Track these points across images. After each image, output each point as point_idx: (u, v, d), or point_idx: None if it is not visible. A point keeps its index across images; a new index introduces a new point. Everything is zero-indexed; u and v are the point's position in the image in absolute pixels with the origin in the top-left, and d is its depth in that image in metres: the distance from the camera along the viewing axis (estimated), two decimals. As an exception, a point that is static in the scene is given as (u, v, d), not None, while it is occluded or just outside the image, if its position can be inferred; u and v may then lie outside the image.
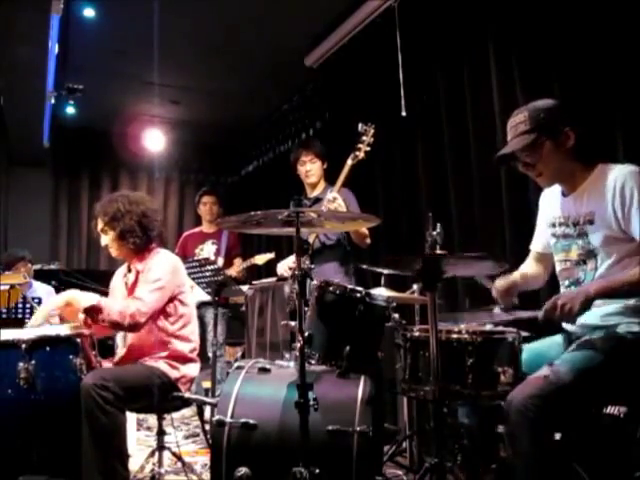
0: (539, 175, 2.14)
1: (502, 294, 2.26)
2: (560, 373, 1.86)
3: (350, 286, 2.41)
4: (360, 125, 3.34)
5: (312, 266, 2.56)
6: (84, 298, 2.47)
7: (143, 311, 2.51)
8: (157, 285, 2.59)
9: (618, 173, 1.99)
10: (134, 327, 2.52)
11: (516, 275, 2.33)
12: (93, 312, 2.44)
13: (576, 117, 2.20)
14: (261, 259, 4.77)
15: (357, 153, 3.31)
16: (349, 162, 3.31)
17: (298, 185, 3.74)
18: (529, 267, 2.39)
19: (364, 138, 3.32)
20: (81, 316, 2.52)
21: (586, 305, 1.86)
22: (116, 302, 2.61)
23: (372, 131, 3.33)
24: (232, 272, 4.67)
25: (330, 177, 3.60)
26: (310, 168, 3.58)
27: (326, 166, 3.62)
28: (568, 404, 1.85)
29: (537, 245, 2.37)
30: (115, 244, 2.73)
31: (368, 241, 3.40)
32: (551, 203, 2.25)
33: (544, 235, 2.31)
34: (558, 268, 2.21)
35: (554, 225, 2.21)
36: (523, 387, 1.86)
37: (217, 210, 5.09)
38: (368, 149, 3.32)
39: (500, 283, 2.27)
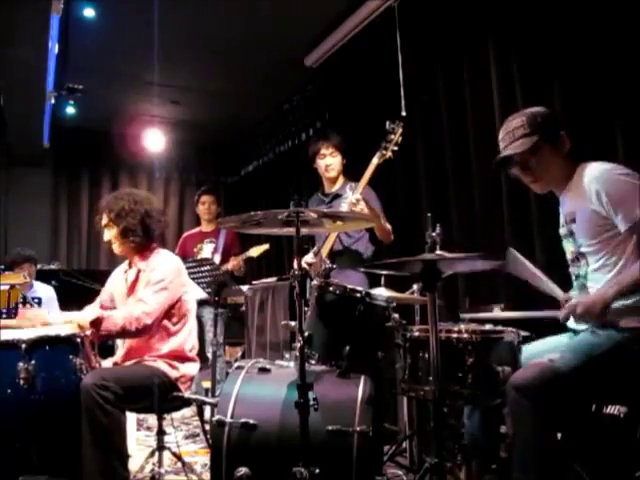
0: (534, 181, 2.15)
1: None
2: (564, 359, 1.89)
3: (350, 286, 2.40)
4: (387, 123, 3.17)
5: (333, 266, 2.54)
6: (79, 316, 2.55)
7: (148, 311, 2.52)
8: (160, 286, 2.60)
9: (589, 175, 2.01)
10: (143, 330, 2.52)
11: None
12: (98, 324, 2.44)
13: (571, 120, 2.20)
14: (256, 251, 4.72)
15: (384, 152, 3.14)
16: (375, 161, 3.14)
17: (298, 185, 3.74)
18: None
19: (392, 136, 3.14)
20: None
21: (605, 312, 1.88)
22: (118, 310, 2.62)
23: (400, 130, 3.14)
24: (228, 266, 4.63)
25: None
26: (330, 162, 3.43)
27: (345, 161, 3.48)
28: (568, 389, 1.88)
29: None
30: (117, 240, 2.75)
31: (392, 237, 3.32)
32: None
33: None
34: None
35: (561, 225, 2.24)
36: (526, 369, 1.90)
37: (215, 209, 5.09)
38: (396, 148, 3.15)
39: None
